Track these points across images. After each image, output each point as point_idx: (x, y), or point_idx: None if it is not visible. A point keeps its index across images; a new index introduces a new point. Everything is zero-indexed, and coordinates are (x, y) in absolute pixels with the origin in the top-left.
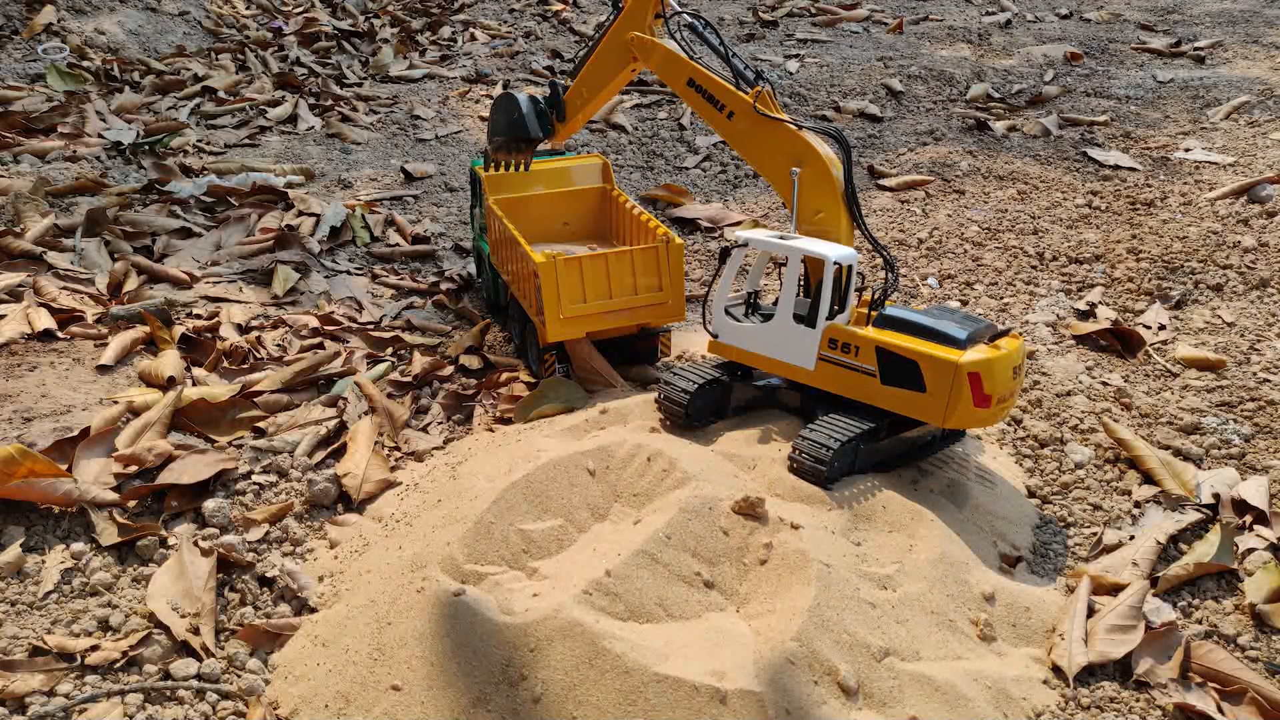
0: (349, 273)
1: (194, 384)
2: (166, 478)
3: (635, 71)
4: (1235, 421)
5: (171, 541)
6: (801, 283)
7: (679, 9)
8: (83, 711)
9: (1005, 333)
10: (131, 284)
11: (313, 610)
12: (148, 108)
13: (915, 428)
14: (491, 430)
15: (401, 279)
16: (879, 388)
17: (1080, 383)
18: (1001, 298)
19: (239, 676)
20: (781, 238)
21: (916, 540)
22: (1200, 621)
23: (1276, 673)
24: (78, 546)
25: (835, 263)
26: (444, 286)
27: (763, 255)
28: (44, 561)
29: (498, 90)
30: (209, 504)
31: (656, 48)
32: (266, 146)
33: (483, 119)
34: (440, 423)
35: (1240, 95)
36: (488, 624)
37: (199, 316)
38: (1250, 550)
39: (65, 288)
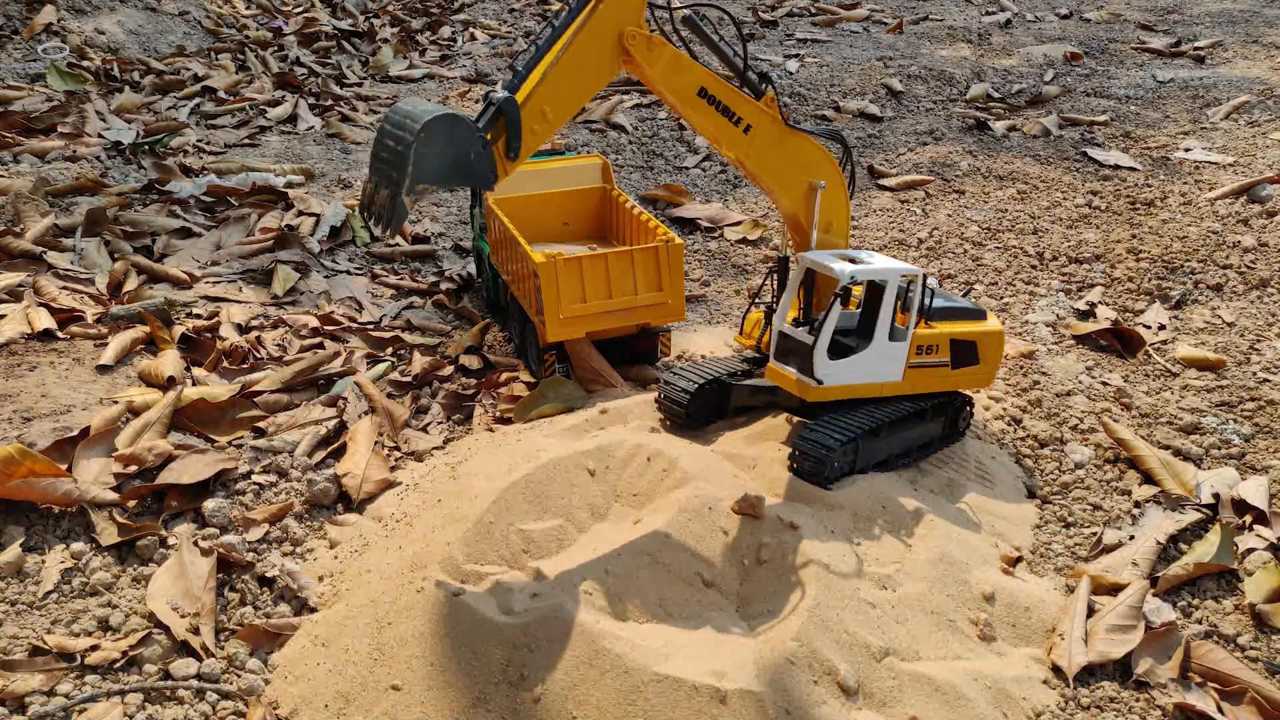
0: (349, 273)
1: (194, 384)
2: (166, 478)
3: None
4: (1235, 421)
5: (171, 541)
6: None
7: None
8: (83, 711)
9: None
10: (131, 284)
11: (313, 610)
12: (148, 108)
13: (915, 427)
14: (491, 430)
15: (401, 279)
16: (949, 373)
17: (1080, 383)
18: (1001, 298)
19: (239, 676)
20: (863, 262)
21: (916, 540)
22: (1200, 621)
23: (1276, 673)
24: (78, 546)
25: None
26: (444, 286)
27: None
28: (44, 561)
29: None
30: (209, 504)
31: (664, 49)
32: (266, 146)
33: None
34: (440, 423)
35: (1240, 95)
36: (488, 624)
37: (199, 316)
38: (1250, 550)
39: (65, 288)
